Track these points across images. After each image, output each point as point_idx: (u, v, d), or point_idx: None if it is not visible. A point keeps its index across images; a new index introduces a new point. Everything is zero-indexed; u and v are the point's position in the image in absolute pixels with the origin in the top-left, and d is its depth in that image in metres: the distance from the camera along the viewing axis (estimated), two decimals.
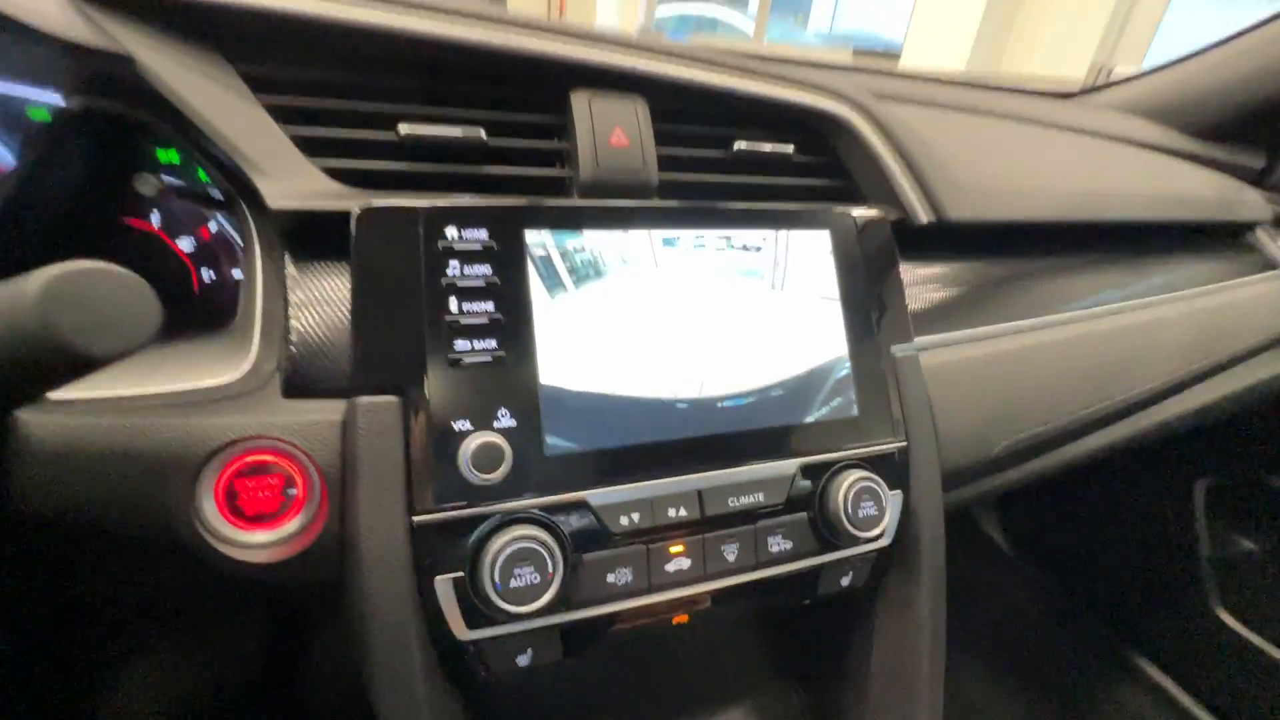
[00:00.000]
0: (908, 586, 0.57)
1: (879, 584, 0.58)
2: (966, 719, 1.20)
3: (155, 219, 0.62)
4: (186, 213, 0.62)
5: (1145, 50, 3.68)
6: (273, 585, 0.42)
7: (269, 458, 0.42)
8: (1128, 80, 1.19)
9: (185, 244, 0.65)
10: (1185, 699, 1.14)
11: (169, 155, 0.60)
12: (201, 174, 0.59)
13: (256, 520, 0.42)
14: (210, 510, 0.41)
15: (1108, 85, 1.22)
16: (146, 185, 0.43)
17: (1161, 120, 1.06)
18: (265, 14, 0.45)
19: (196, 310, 0.64)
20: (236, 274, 0.65)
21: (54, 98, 0.55)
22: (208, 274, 0.65)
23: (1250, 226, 0.95)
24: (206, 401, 0.43)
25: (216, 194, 0.59)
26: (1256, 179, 0.99)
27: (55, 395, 0.41)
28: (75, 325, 0.27)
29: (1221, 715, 1.09)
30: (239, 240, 0.62)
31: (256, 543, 0.42)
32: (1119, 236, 0.83)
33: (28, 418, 0.39)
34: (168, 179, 0.60)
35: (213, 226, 0.64)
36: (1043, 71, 3.98)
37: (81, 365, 0.28)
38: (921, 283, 0.66)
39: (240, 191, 0.50)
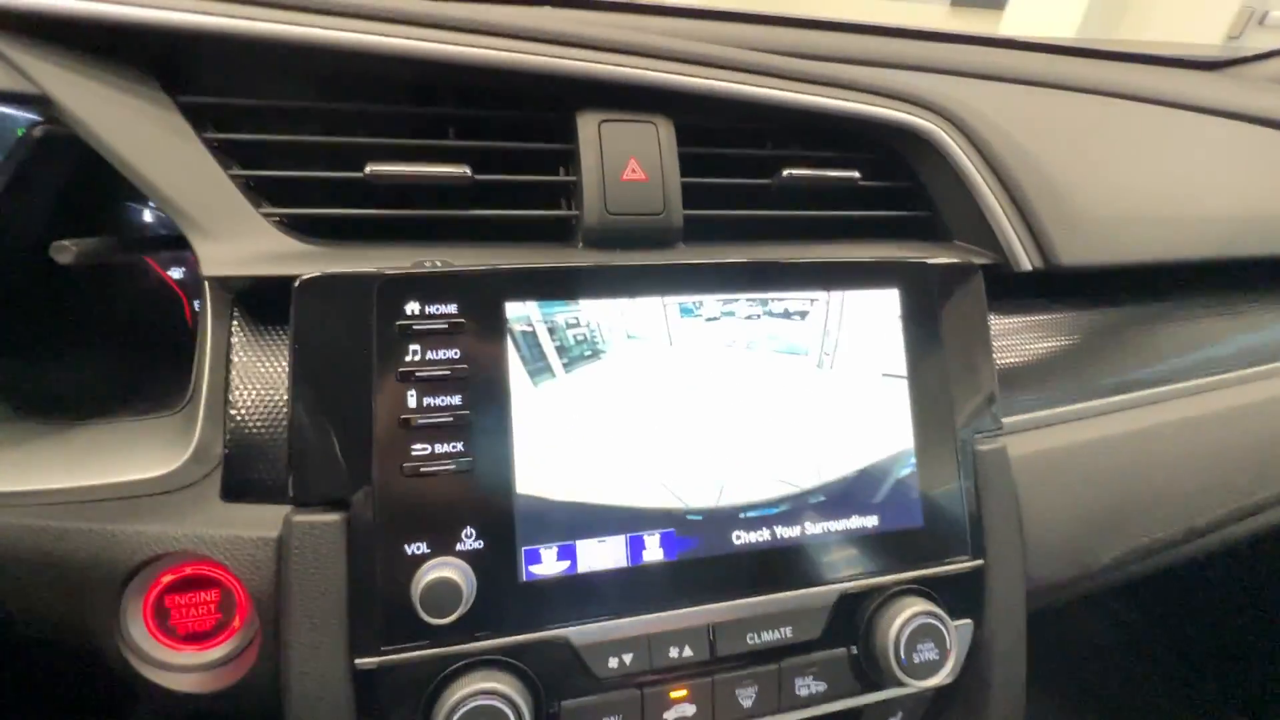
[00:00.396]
0: None
1: None
2: None
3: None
4: (152, 240, 0.57)
5: None
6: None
7: (204, 570, 0.36)
8: None
9: (175, 272, 0.60)
10: None
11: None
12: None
13: (188, 640, 0.37)
14: (138, 629, 0.36)
15: (1269, 54, 0.98)
16: (63, 254, 0.37)
17: None
18: (205, 33, 0.38)
19: (190, 345, 0.60)
20: None
21: (32, 117, 0.50)
22: (199, 304, 0.61)
23: None
24: (141, 496, 0.37)
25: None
26: None
27: None
28: None
29: None
30: None
31: (186, 665, 0.36)
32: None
33: None
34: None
35: None
36: (1175, 25, 3.44)
37: None
38: (1012, 336, 0.53)
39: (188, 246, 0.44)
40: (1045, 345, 0.54)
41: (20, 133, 0.52)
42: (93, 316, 0.54)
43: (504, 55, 0.41)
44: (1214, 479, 0.52)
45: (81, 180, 0.50)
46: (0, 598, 0.35)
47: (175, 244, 0.56)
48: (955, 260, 0.47)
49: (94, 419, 0.43)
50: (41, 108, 0.37)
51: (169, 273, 0.60)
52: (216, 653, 0.37)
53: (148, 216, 0.58)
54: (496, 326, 0.38)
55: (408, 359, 0.36)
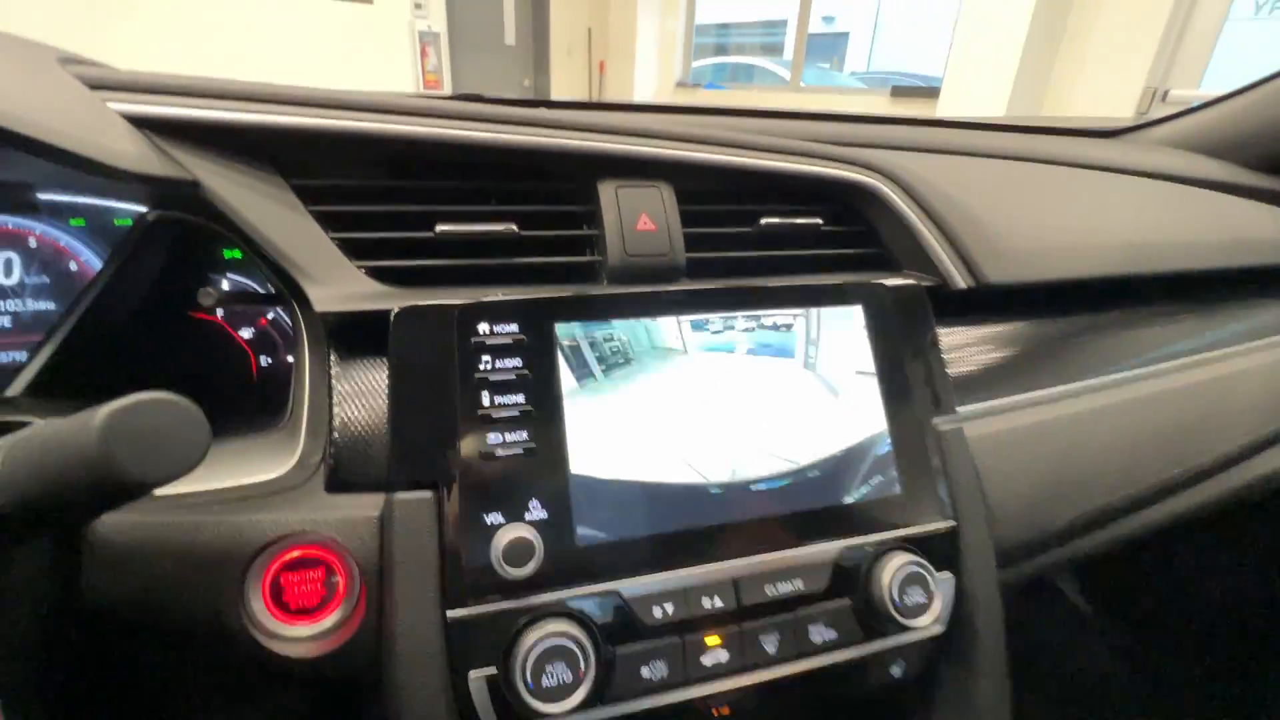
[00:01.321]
0: (965, 677, 0.53)
1: (934, 675, 0.55)
2: None
3: (220, 311, 0.67)
4: (243, 306, 0.67)
5: (1199, 79, 3.54)
6: (313, 680, 0.43)
7: (313, 552, 0.44)
8: (1179, 115, 1.14)
9: (245, 333, 0.69)
10: None
11: (233, 253, 0.65)
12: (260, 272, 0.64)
13: (299, 614, 0.44)
14: (257, 604, 0.43)
15: (1157, 122, 1.17)
16: (207, 298, 0.47)
17: (1220, 155, 1.01)
18: (312, 132, 0.49)
19: (255, 393, 0.69)
20: (291, 359, 0.69)
21: (136, 208, 0.61)
22: (265, 359, 0.70)
23: None
24: (257, 496, 0.45)
25: (271, 290, 0.63)
26: None
27: None
28: (132, 455, 0.29)
29: None
30: (292, 330, 0.66)
31: (298, 636, 0.43)
32: (1183, 285, 0.79)
33: (94, 521, 0.42)
34: (231, 275, 0.65)
35: (270, 315, 0.68)
36: (1091, 104, 3.87)
37: (134, 493, 0.30)
38: (965, 347, 0.64)
39: (291, 292, 0.54)
40: (993, 354, 0.65)
41: (127, 222, 0.64)
42: (175, 369, 0.63)
43: (545, 140, 0.54)
44: (1144, 451, 0.62)
45: (171, 263, 0.60)
46: (151, 585, 0.42)
47: (262, 300, 0.66)
48: (905, 281, 0.59)
49: None
50: (187, 189, 0.48)
51: (239, 333, 0.70)
52: (324, 624, 0.44)
53: (226, 285, 0.69)
54: (548, 341, 0.48)
55: (481, 368, 0.46)
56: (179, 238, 0.60)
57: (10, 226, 0.63)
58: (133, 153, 0.44)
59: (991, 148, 0.87)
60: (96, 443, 0.28)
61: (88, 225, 0.64)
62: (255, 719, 0.82)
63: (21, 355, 0.64)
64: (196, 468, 0.31)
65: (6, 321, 0.64)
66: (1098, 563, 1.23)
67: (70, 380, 0.56)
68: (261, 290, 0.65)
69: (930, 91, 4.78)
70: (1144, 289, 0.75)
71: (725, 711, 0.50)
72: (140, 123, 0.46)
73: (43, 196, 0.63)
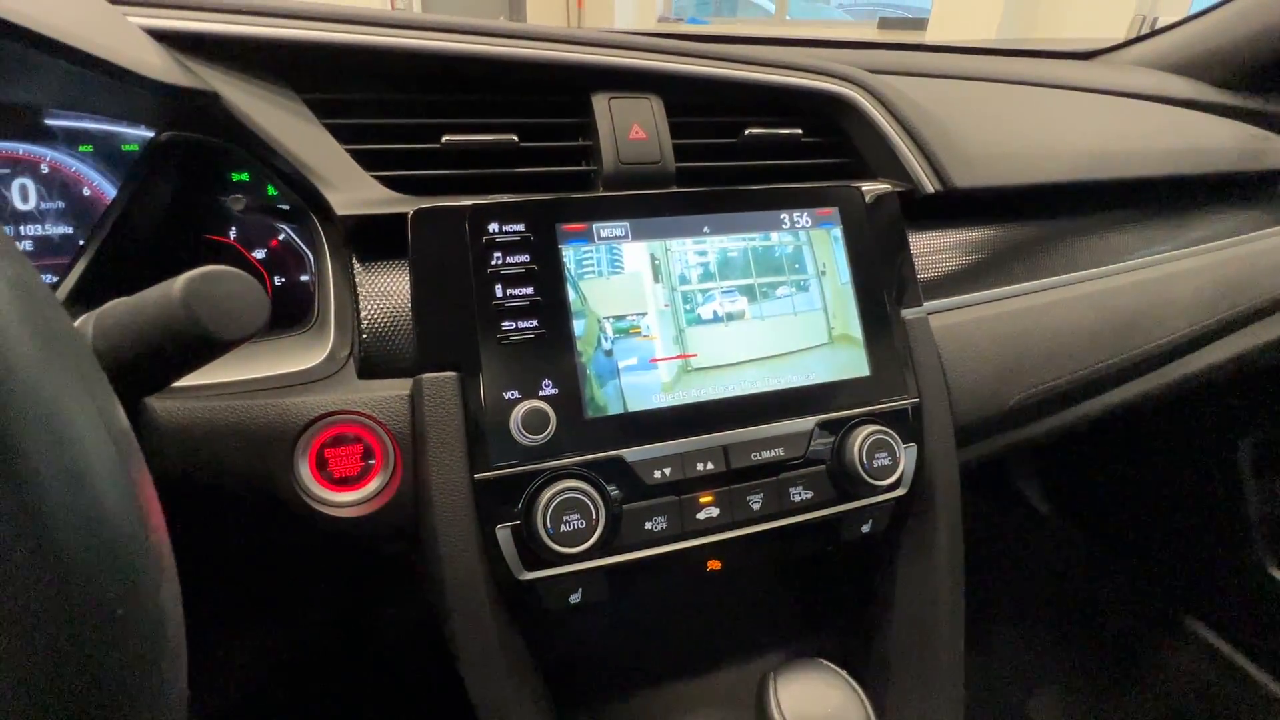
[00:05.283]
0: (926, 532, 0.61)
1: (899, 531, 0.63)
2: (1001, 676, 1.22)
3: (232, 233, 0.70)
4: (258, 226, 0.70)
5: (1188, 6, 3.50)
6: (358, 537, 0.50)
7: (350, 430, 0.50)
8: (1151, 35, 1.17)
9: (258, 253, 0.73)
10: (1239, 657, 1.14)
11: (240, 176, 0.68)
12: (270, 190, 0.67)
13: (343, 483, 0.50)
14: (306, 475, 0.49)
15: (1130, 43, 1.20)
16: (237, 203, 0.51)
17: (1188, 74, 1.05)
18: (326, 46, 0.52)
19: (272, 310, 0.73)
20: (303, 278, 0.73)
21: (146, 133, 0.64)
22: (279, 279, 0.74)
23: None
24: (296, 384, 0.51)
25: (284, 207, 0.66)
26: None
27: (175, 384, 0.49)
28: (210, 316, 0.34)
29: (1277, 672, 1.08)
30: (305, 248, 0.70)
31: (345, 501, 0.49)
32: (1143, 196, 0.84)
33: (154, 403, 0.47)
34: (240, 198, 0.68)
35: (281, 237, 0.72)
36: (1081, 33, 3.83)
37: (214, 350, 0.35)
38: (937, 251, 0.69)
39: (309, 204, 0.58)
40: (962, 258, 0.71)
41: (134, 148, 0.66)
42: None
43: (537, 52, 0.57)
44: (1087, 339, 0.69)
45: (182, 187, 0.63)
46: (210, 461, 0.47)
47: (279, 215, 0.69)
48: (877, 185, 0.63)
49: None
50: (208, 102, 0.51)
51: (253, 254, 0.73)
52: (366, 490, 0.50)
53: (237, 207, 0.71)
54: (552, 238, 0.52)
55: (493, 262, 0.51)
56: (189, 161, 0.63)
57: (22, 153, 0.66)
58: (159, 64, 0.47)
59: (967, 70, 0.90)
60: (179, 305, 0.33)
61: (96, 151, 0.66)
62: (282, 632, 0.90)
63: (49, 278, 0.68)
64: (260, 331, 0.36)
65: (30, 245, 0.67)
66: (1056, 467, 1.33)
67: (98, 302, 0.60)
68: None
69: (918, 23, 4.69)
70: (1109, 200, 0.80)
71: (716, 566, 0.57)
72: (159, 36, 0.49)
73: (51, 123, 0.65)
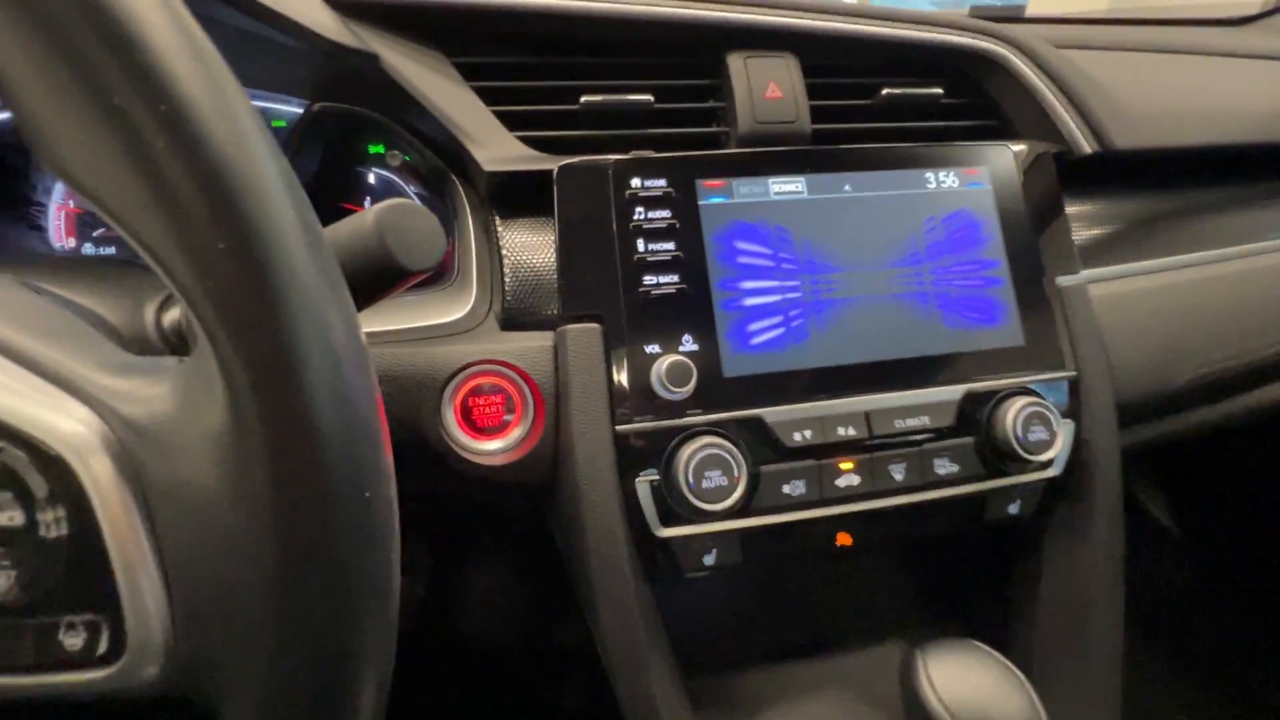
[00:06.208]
0: (1081, 516, 0.56)
1: (1049, 515, 0.58)
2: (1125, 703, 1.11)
3: (367, 203, 0.74)
4: (394, 195, 0.73)
5: None
6: (496, 484, 0.50)
7: (493, 380, 0.50)
8: None
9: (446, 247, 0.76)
10: None
11: (376, 148, 0.71)
12: (408, 158, 0.69)
13: (486, 431, 0.50)
14: (451, 421, 0.50)
15: None
16: (394, 159, 0.54)
17: None
18: (472, 8, 0.54)
19: None
20: None
21: (295, 109, 0.67)
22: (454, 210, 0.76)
23: None
24: (442, 335, 0.52)
25: (421, 170, 0.68)
26: None
27: None
28: (398, 244, 0.35)
29: None
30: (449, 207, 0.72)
31: (488, 449, 0.50)
32: None
33: None
34: (376, 170, 0.71)
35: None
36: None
37: (398, 279, 0.36)
38: (1088, 219, 0.64)
39: (451, 165, 0.60)
40: (1116, 227, 0.66)
41: (281, 124, 0.70)
42: None
43: (678, 10, 0.56)
44: (1261, 321, 0.62)
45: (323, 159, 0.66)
46: None
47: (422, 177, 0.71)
48: (1028, 146, 0.59)
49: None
50: (368, 63, 0.53)
51: None
52: (509, 439, 0.50)
53: (372, 180, 0.75)
54: (692, 194, 0.52)
55: (635, 218, 0.51)
56: (337, 133, 0.66)
57: None
58: (331, 24, 0.50)
59: (1108, 40, 0.83)
60: (373, 233, 0.34)
61: None
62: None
63: None
64: (439, 263, 0.37)
65: None
66: (1184, 477, 1.21)
67: None
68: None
69: (1015, 9, 4.43)
70: (1273, 164, 0.72)
71: (846, 541, 0.55)
72: None
73: None
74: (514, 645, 1.07)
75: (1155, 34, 0.90)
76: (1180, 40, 0.86)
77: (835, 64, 0.62)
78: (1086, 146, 0.61)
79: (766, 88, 0.58)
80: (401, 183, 0.72)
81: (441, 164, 0.60)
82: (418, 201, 0.73)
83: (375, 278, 0.35)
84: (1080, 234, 0.63)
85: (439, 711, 1.03)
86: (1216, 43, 0.88)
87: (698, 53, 0.60)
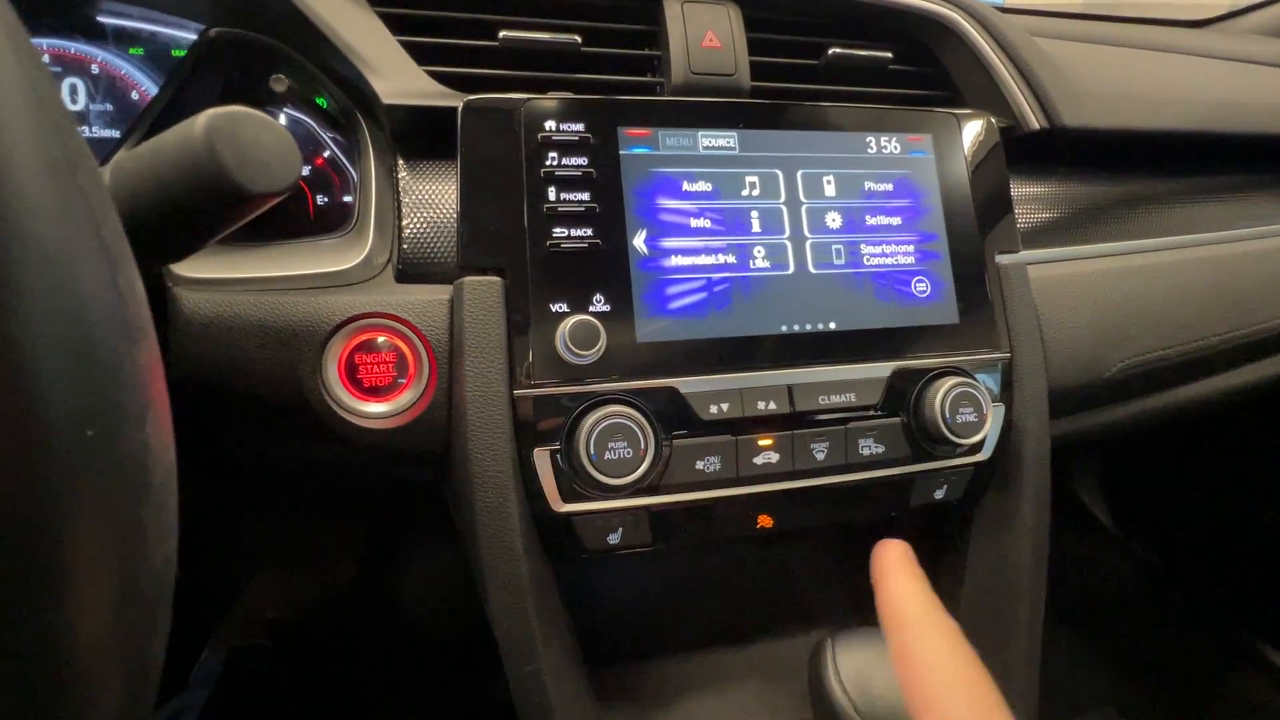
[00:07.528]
0: (1009, 503, 0.55)
1: (976, 501, 0.56)
2: (1051, 692, 1.13)
3: None
4: (302, 141, 0.67)
5: None
6: (386, 452, 0.46)
7: (383, 335, 0.46)
8: (1271, 3, 1.06)
9: (303, 171, 0.70)
10: None
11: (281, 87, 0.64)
12: (320, 100, 0.63)
13: (373, 392, 0.46)
14: (334, 379, 0.45)
15: (1246, 10, 1.09)
16: (279, 84, 0.48)
17: None
18: None
19: (313, 231, 0.70)
20: (346, 199, 0.70)
21: (191, 31, 0.61)
22: (321, 199, 0.71)
23: None
24: (330, 285, 0.47)
25: (332, 113, 0.63)
26: None
27: (201, 274, 0.46)
28: (236, 161, 0.30)
29: None
30: (349, 167, 0.67)
31: (374, 412, 0.45)
32: (1269, 161, 0.75)
33: (181, 293, 0.44)
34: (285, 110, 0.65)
35: (326, 154, 0.68)
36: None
37: (241, 204, 0.31)
38: (1033, 200, 0.62)
39: (355, 102, 0.54)
40: (1061, 210, 0.64)
41: (183, 53, 0.63)
42: None
43: None
44: (1206, 306, 0.61)
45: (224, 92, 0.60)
46: (236, 359, 0.44)
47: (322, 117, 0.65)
48: (975, 115, 0.56)
49: (275, 241, 0.53)
50: None
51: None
52: (398, 402, 0.46)
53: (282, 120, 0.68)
54: (613, 143, 0.47)
55: (548, 163, 0.46)
56: (235, 63, 0.60)
57: (73, 51, 0.64)
58: None
59: (1068, 33, 0.82)
60: (201, 144, 0.29)
61: (146, 55, 0.64)
62: (307, 571, 0.88)
63: None
64: (291, 189, 0.32)
65: None
66: (1123, 474, 1.23)
67: None
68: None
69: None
70: (1225, 158, 0.71)
71: (767, 523, 0.51)
72: None
73: (103, 20, 0.63)
74: (449, 632, 1.03)
75: (1117, 30, 0.89)
76: (1139, 37, 0.85)
77: (781, 19, 0.58)
78: (1035, 122, 0.59)
79: (704, 36, 0.54)
80: (317, 127, 0.67)
81: (348, 101, 0.55)
82: (331, 149, 0.67)
83: (211, 199, 0.30)
84: (1025, 215, 0.60)
85: (373, 697, 0.98)
86: (1175, 41, 0.87)
87: None
